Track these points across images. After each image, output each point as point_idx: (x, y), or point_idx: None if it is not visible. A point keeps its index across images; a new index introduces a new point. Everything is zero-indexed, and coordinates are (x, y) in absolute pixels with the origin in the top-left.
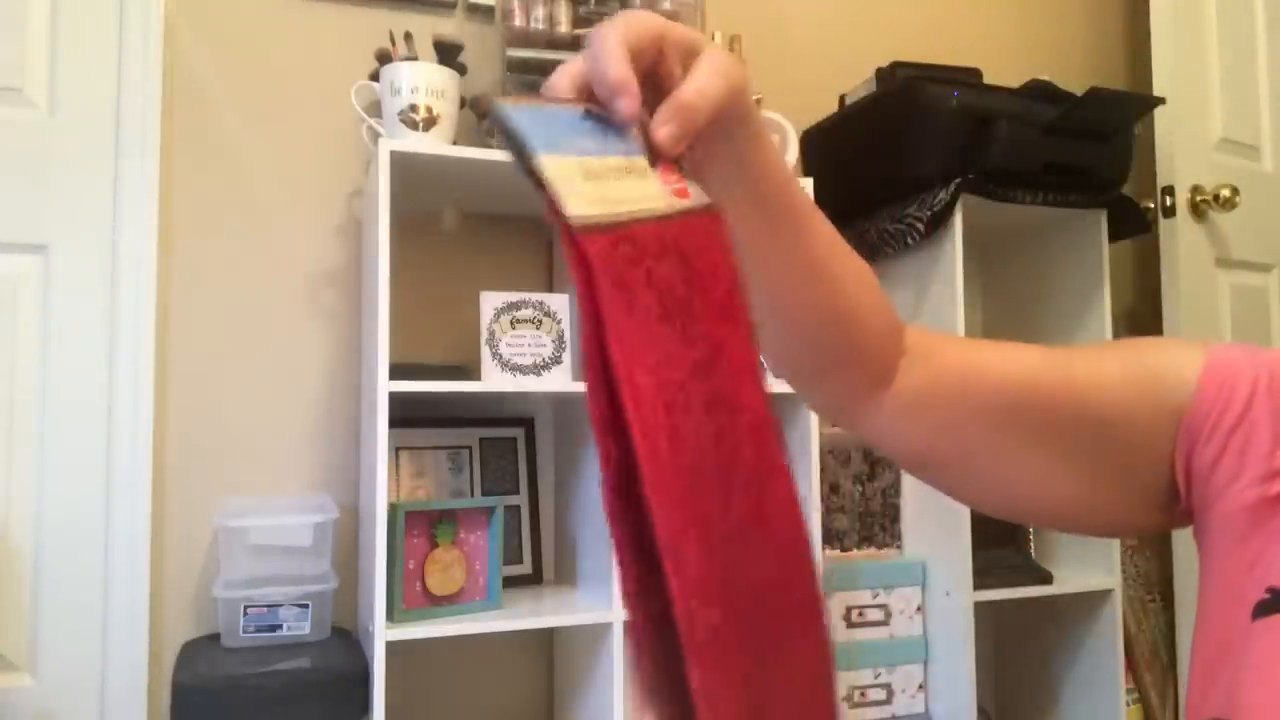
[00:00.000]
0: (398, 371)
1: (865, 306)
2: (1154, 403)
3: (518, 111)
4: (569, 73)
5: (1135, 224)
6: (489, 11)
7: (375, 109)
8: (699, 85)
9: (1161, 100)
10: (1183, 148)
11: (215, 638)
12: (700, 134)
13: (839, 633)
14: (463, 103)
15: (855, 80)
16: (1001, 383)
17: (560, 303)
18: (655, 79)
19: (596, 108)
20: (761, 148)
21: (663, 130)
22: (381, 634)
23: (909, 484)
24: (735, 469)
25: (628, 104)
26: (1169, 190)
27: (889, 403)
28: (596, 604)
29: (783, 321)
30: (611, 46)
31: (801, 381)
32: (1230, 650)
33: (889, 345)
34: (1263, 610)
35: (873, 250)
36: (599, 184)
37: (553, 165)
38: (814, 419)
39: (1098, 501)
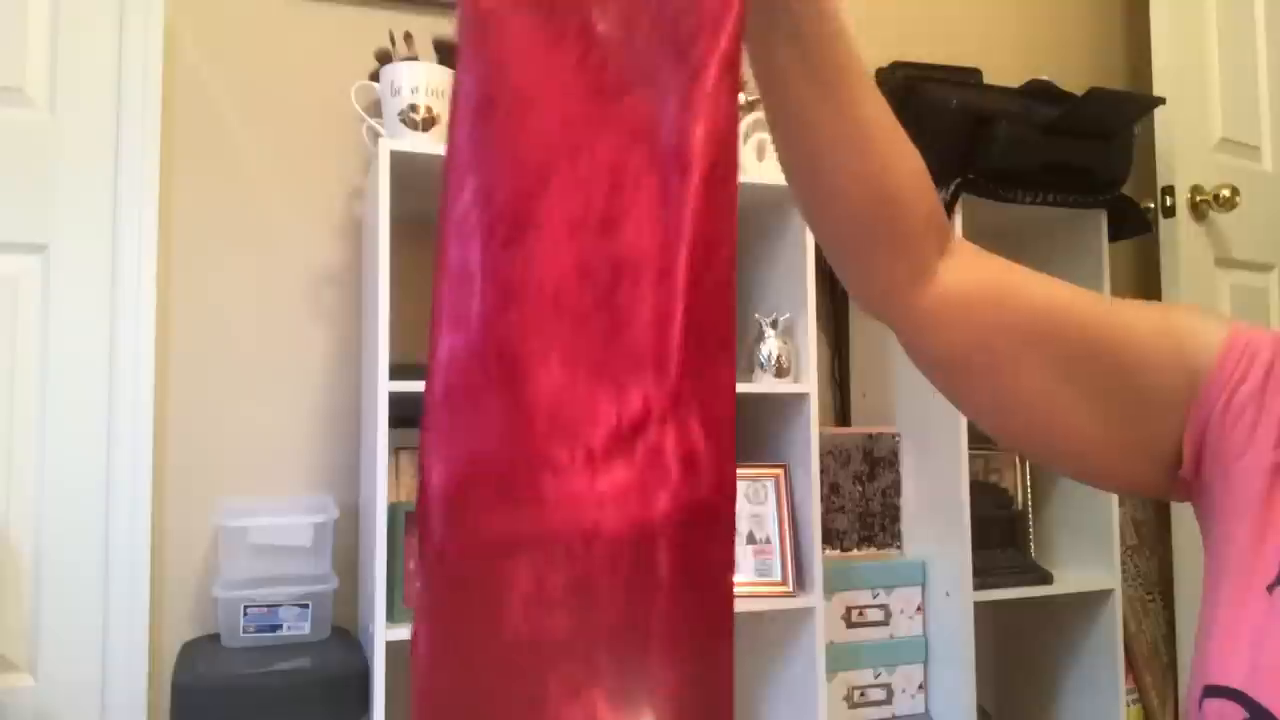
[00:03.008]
0: (398, 371)
1: (910, 189)
2: (1175, 360)
3: None
4: None
5: (1135, 224)
6: None
7: (375, 109)
8: None
9: (1161, 100)
10: (1183, 148)
11: (215, 638)
12: None
13: (839, 633)
14: None
15: None
16: (1036, 302)
17: None
18: None
19: None
20: (828, 22)
21: None
22: (381, 634)
23: (909, 484)
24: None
25: None
26: (1169, 190)
27: (928, 299)
28: None
29: (824, 185)
30: None
31: (844, 260)
32: (1247, 622)
33: (931, 237)
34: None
35: None
36: None
37: None
38: (814, 419)
39: (1105, 444)
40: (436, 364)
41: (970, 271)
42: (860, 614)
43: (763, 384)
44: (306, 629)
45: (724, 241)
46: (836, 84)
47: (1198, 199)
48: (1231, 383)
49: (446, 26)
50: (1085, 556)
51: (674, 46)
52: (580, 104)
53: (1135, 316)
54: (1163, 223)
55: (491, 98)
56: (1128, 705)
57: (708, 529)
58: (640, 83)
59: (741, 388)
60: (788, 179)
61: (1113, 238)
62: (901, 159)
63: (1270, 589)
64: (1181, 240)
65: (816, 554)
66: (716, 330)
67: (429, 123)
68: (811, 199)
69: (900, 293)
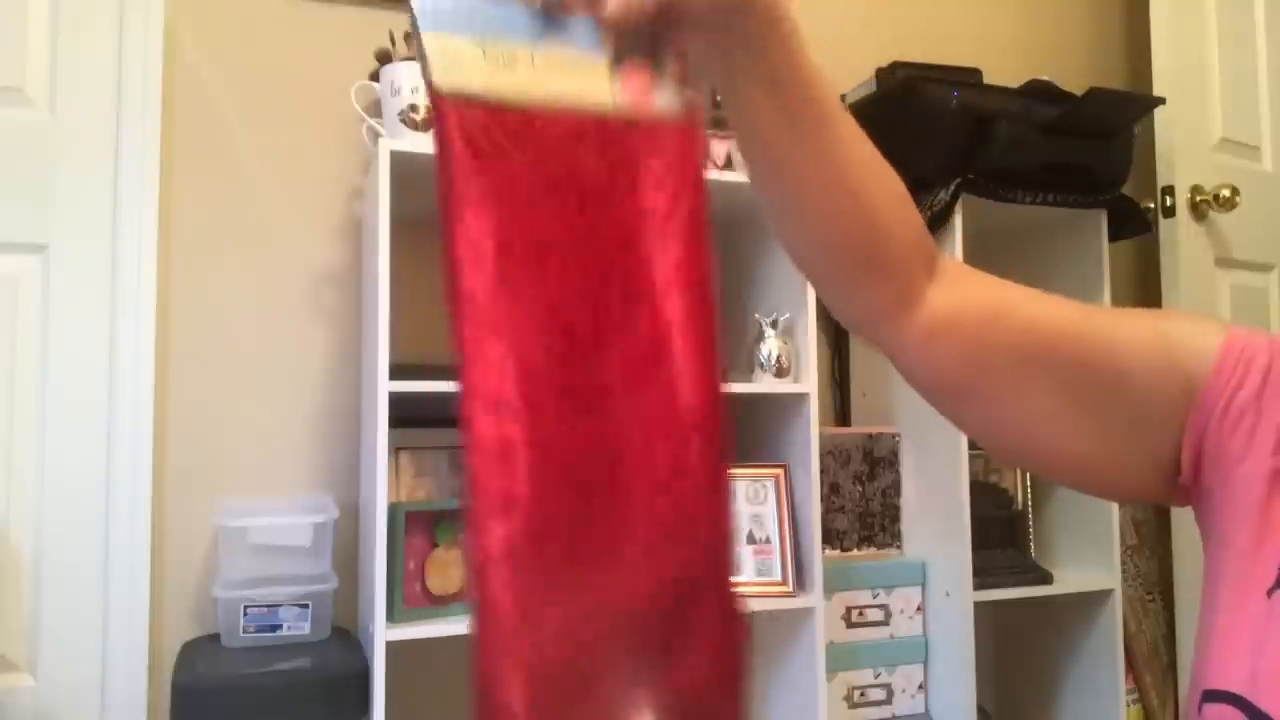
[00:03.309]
0: (398, 371)
1: (892, 218)
2: (1171, 369)
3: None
4: None
5: (1135, 224)
6: None
7: (375, 109)
8: None
9: (1161, 100)
10: (1183, 148)
11: (215, 638)
12: (673, 20)
13: (839, 633)
14: None
15: (855, 80)
16: (1030, 320)
17: None
18: None
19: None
20: (779, 41)
21: (599, 12)
22: (381, 634)
23: (909, 484)
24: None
25: (604, 14)
26: (1169, 190)
27: (917, 323)
28: None
29: (804, 222)
30: None
31: (828, 289)
32: (1246, 627)
33: (917, 262)
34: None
35: None
36: (506, 69)
37: (437, 41)
38: (814, 419)
39: (1105, 457)
40: (487, 552)
41: (959, 293)
42: (860, 614)
43: (763, 384)
44: (306, 629)
45: (715, 375)
46: (813, 125)
47: (1198, 199)
48: (1229, 389)
49: None
50: (1085, 556)
51: (652, 185)
52: (594, 255)
53: (1129, 327)
54: (1163, 223)
55: (508, 243)
56: (1128, 705)
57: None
58: (628, 223)
59: (741, 388)
60: (768, 216)
61: (1113, 238)
62: (882, 189)
63: (1269, 593)
64: (1181, 240)
65: (816, 554)
66: (719, 483)
67: (429, 123)
68: (793, 236)
69: (889, 319)
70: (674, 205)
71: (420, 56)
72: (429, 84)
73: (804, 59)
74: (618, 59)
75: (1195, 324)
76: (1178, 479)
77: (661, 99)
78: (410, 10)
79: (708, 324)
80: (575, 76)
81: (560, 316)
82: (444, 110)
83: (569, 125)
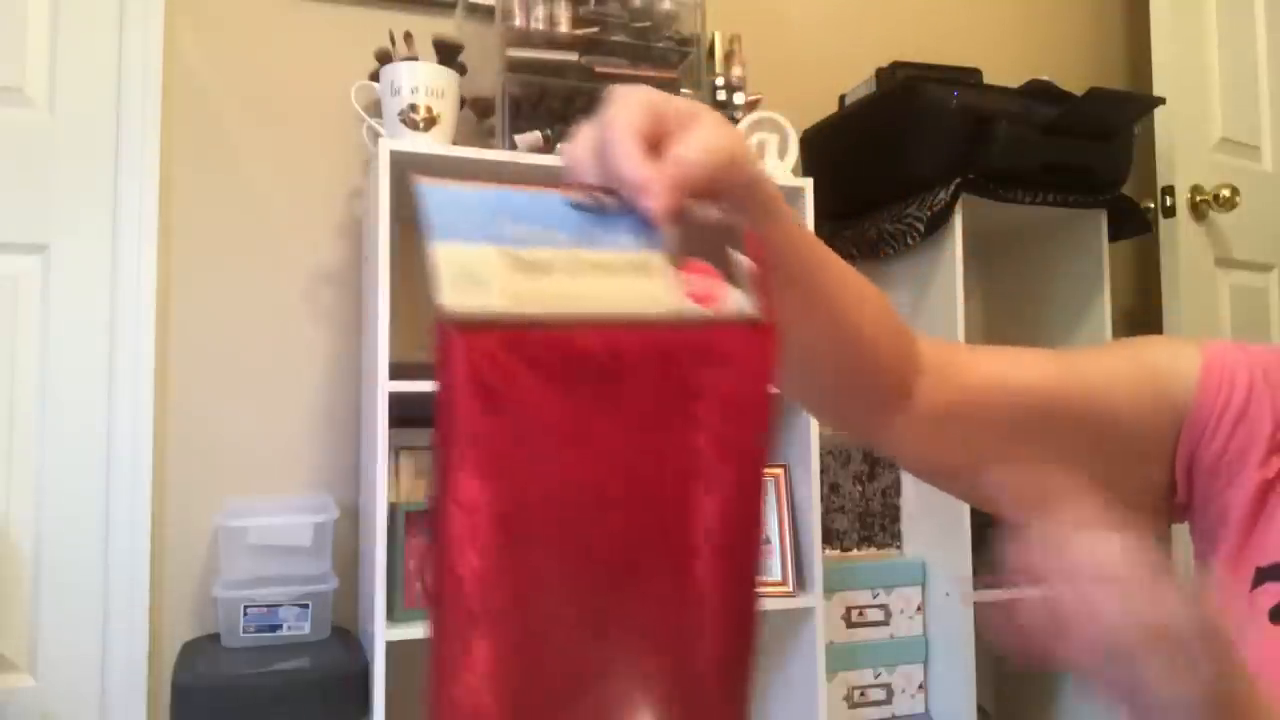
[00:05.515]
0: (398, 371)
1: (880, 343)
2: (1157, 398)
3: (437, 192)
4: (588, 149)
5: (1135, 224)
6: (489, 11)
7: (375, 109)
8: (690, 145)
9: (1161, 100)
10: (1183, 148)
11: (215, 638)
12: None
13: (839, 633)
14: (462, 103)
15: (855, 80)
16: (1015, 394)
17: None
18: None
19: (598, 196)
20: (780, 223)
21: (650, 203)
22: (381, 634)
23: (909, 484)
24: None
25: (656, 204)
26: (1169, 190)
27: (905, 420)
28: None
29: (803, 372)
30: (623, 141)
31: (821, 414)
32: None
33: (902, 368)
34: (1257, 583)
35: (872, 250)
36: (540, 275)
37: (451, 253)
38: (814, 419)
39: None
40: None
41: (945, 385)
42: (860, 614)
43: None
44: (306, 629)
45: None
46: (807, 285)
47: (1198, 199)
48: (1216, 409)
49: (447, 26)
50: None
51: (705, 414)
52: (624, 510)
53: (1109, 366)
54: (1163, 223)
55: (510, 514)
56: None
57: None
58: (671, 466)
59: None
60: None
61: (1113, 238)
62: (871, 324)
63: (1249, 593)
64: (1181, 240)
65: (816, 554)
66: None
67: (429, 123)
68: (799, 392)
69: (880, 423)
70: (727, 442)
71: (431, 272)
72: (437, 307)
73: (803, 235)
74: (681, 251)
75: (1173, 348)
76: (1173, 499)
77: (729, 301)
78: (418, 207)
79: (743, 594)
80: (622, 279)
81: (563, 601)
82: (450, 342)
83: (614, 340)
